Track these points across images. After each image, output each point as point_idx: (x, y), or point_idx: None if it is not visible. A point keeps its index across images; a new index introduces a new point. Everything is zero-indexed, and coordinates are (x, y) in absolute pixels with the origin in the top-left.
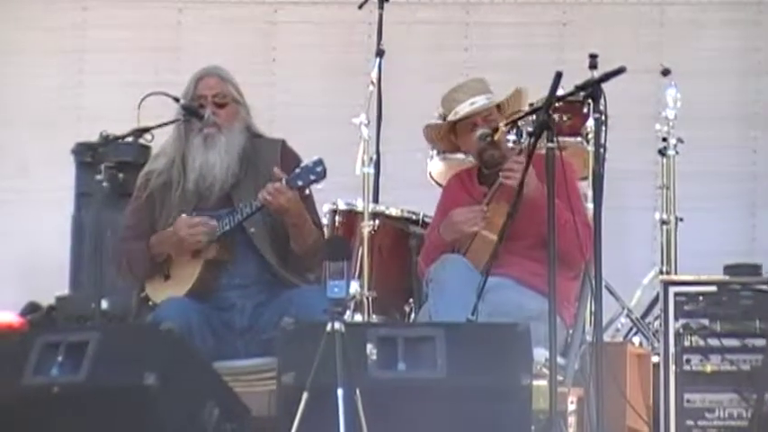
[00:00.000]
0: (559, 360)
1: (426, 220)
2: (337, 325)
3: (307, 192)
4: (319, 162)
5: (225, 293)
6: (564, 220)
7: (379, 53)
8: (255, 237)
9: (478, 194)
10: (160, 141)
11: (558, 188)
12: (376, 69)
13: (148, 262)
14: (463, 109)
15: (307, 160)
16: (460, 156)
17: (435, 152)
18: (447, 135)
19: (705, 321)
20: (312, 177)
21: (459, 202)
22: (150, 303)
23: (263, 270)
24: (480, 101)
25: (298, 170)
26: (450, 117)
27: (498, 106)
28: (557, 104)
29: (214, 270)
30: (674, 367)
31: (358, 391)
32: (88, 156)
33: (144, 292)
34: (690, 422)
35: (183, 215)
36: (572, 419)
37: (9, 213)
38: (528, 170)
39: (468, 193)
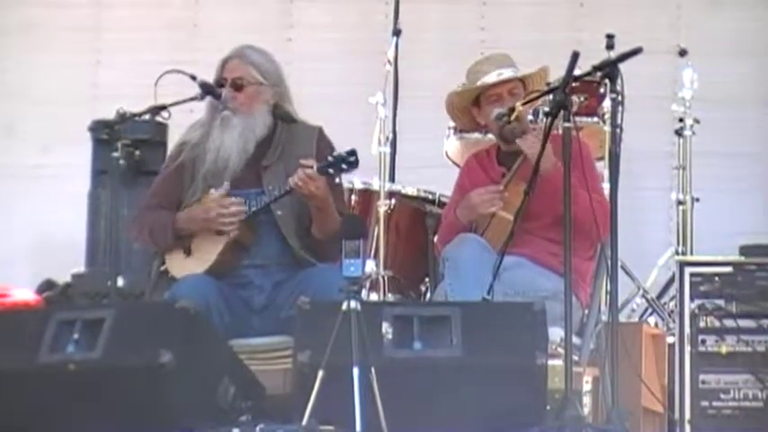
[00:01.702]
0: (575, 340)
1: (443, 199)
2: (353, 304)
3: (337, 180)
4: (353, 152)
5: (244, 271)
6: (580, 197)
7: (396, 33)
8: (281, 219)
9: (497, 175)
10: (177, 119)
11: (574, 167)
12: (392, 49)
13: (171, 236)
14: (490, 78)
15: (340, 150)
16: (477, 135)
17: (452, 131)
18: (469, 107)
19: (721, 302)
20: (344, 167)
21: (478, 182)
22: (170, 277)
23: (284, 252)
24: (507, 73)
25: (331, 158)
26: (478, 85)
27: (524, 83)
28: (573, 84)
29: (236, 250)
30: (689, 348)
31: (373, 370)
32: (105, 133)
33: (164, 265)
34: (705, 403)
35: (213, 190)
36: (587, 399)
37: (26, 191)
38: (545, 148)
39: (486, 172)
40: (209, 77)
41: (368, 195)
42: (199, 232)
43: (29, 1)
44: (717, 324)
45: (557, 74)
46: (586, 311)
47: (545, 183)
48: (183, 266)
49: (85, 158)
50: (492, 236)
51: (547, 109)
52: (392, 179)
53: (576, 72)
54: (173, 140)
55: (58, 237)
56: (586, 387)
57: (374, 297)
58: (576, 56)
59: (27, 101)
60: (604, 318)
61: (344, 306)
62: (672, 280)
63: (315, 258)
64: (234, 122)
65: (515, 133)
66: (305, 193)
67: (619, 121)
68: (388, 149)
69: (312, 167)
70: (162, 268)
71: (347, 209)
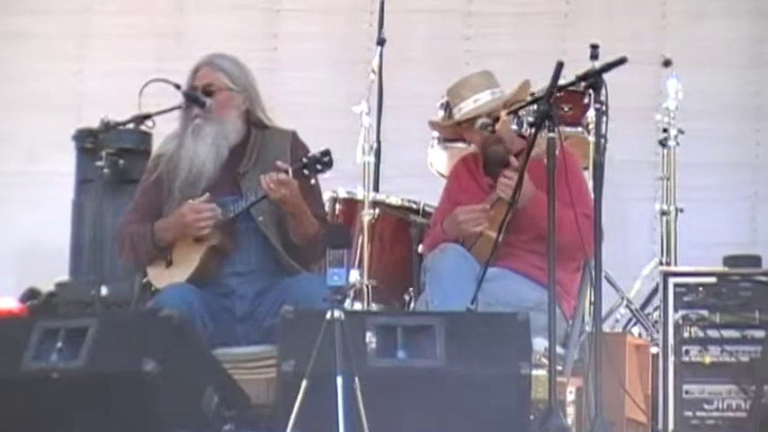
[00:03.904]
0: (559, 350)
1: (427, 209)
2: (337, 313)
3: (312, 182)
4: (327, 152)
5: (226, 280)
6: (565, 220)
7: (381, 42)
8: (263, 225)
9: (485, 184)
10: (161, 128)
11: (558, 180)
12: (377, 58)
13: (151, 246)
14: (467, 106)
15: (314, 150)
16: (461, 144)
17: (436, 141)
18: (453, 127)
19: (704, 312)
20: (319, 167)
21: (466, 190)
22: (153, 289)
23: (266, 258)
24: (484, 97)
25: (305, 159)
26: (455, 112)
27: (504, 103)
28: (558, 94)
29: (216, 257)
30: (673, 358)
31: (357, 380)
32: (89, 142)
33: (146, 277)
34: (688, 413)
35: (191, 201)
36: (571, 409)
37: (10, 199)
38: (521, 184)
39: (475, 180)
40: None
41: (352, 205)
42: (179, 242)
43: (14, 9)
44: (700, 334)
45: (541, 84)
46: (570, 323)
47: (525, 212)
48: (165, 277)
49: (70, 167)
50: (478, 254)
51: (531, 119)
52: (376, 189)
53: (561, 82)
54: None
55: (43, 245)
56: (570, 397)
57: (358, 306)
58: (560, 66)
59: (13, 108)
60: (588, 328)
61: (328, 315)
62: (655, 290)
63: (298, 263)
64: (206, 130)
65: (499, 156)
66: (276, 198)
67: (603, 132)
68: (372, 159)
69: (287, 170)
70: (144, 281)
71: (325, 211)
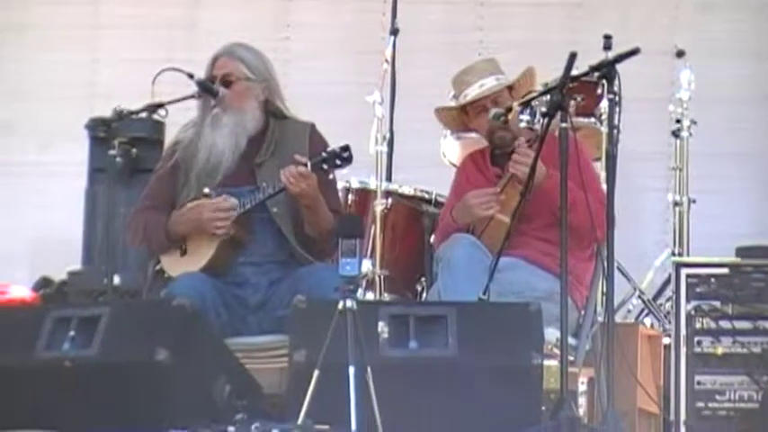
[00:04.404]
0: (571, 340)
1: (439, 199)
2: (349, 303)
3: (330, 176)
4: (346, 148)
5: (240, 269)
6: (578, 201)
7: (394, 32)
8: (278, 216)
9: (492, 176)
10: (174, 117)
11: (570, 167)
12: (390, 48)
13: (164, 237)
14: (473, 91)
15: (334, 145)
16: (474, 135)
17: (449, 131)
18: (459, 116)
19: (717, 303)
20: (338, 162)
21: (474, 183)
22: (166, 276)
23: (281, 248)
24: (489, 82)
25: (324, 154)
26: (460, 100)
27: (509, 87)
28: (570, 85)
29: (231, 248)
30: (685, 349)
31: (369, 370)
32: (102, 131)
33: (159, 264)
34: (700, 404)
35: (207, 190)
36: (582, 400)
37: (23, 188)
38: (537, 160)
39: (482, 173)
40: None
41: (365, 195)
42: (194, 235)
43: (27, 0)
44: (713, 325)
45: (554, 74)
46: (582, 313)
47: (540, 188)
48: (179, 265)
49: (84, 156)
50: (489, 238)
51: (544, 109)
52: (389, 179)
53: (574, 72)
54: (169, 139)
55: (56, 234)
56: (582, 388)
57: (370, 296)
58: (573, 56)
59: (26, 99)
60: (600, 318)
61: (340, 305)
62: (668, 281)
63: (311, 255)
64: (225, 120)
65: (506, 141)
66: (296, 191)
67: (616, 122)
68: (385, 149)
69: (306, 164)
70: (157, 268)
71: (341, 206)
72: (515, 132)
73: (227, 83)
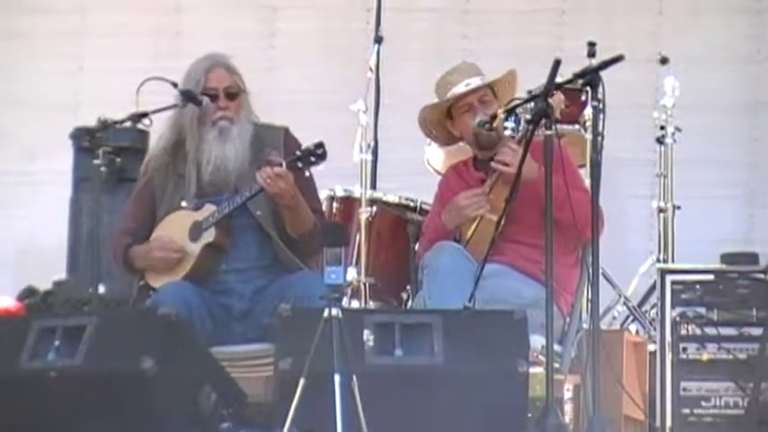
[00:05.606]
0: (556, 347)
1: (424, 206)
2: (334, 311)
3: (307, 174)
4: (320, 145)
5: (223, 277)
6: (563, 196)
7: (378, 40)
8: (263, 219)
9: (476, 181)
10: (158, 126)
11: (556, 172)
12: (374, 56)
13: (122, 265)
14: (459, 90)
15: (307, 143)
16: (459, 144)
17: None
18: (443, 120)
19: (702, 310)
20: (312, 159)
21: (457, 191)
22: (150, 288)
23: (264, 253)
24: (475, 82)
25: (299, 152)
26: (447, 96)
27: (492, 89)
28: (555, 92)
29: (213, 254)
30: (670, 355)
31: (355, 378)
32: (86, 140)
33: (143, 280)
34: (686, 410)
35: (184, 203)
36: (568, 407)
37: (8, 197)
38: (525, 157)
39: (466, 182)
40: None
41: (349, 203)
42: (174, 239)
43: (12, 7)
44: (698, 332)
45: (538, 81)
46: (567, 320)
47: (527, 187)
48: (162, 277)
49: (69, 165)
50: (478, 239)
51: (529, 116)
52: (374, 186)
53: (558, 79)
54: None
55: (41, 243)
56: (567, 395)
57: (355, 304)
58: (557, 63)
59: (11, 107)
60: (585, 325)
61: (326, 313)
62: (653, 288)
63: (297, 256)
64: (234, 132)
65: (492, 141)
66: (274, 191)
67: (600, 129)
68: (369, 157)
69: (281, 163)
70: (141, 283)
71: (321, 204)
72: (501, 133)
73: (231, 96)
